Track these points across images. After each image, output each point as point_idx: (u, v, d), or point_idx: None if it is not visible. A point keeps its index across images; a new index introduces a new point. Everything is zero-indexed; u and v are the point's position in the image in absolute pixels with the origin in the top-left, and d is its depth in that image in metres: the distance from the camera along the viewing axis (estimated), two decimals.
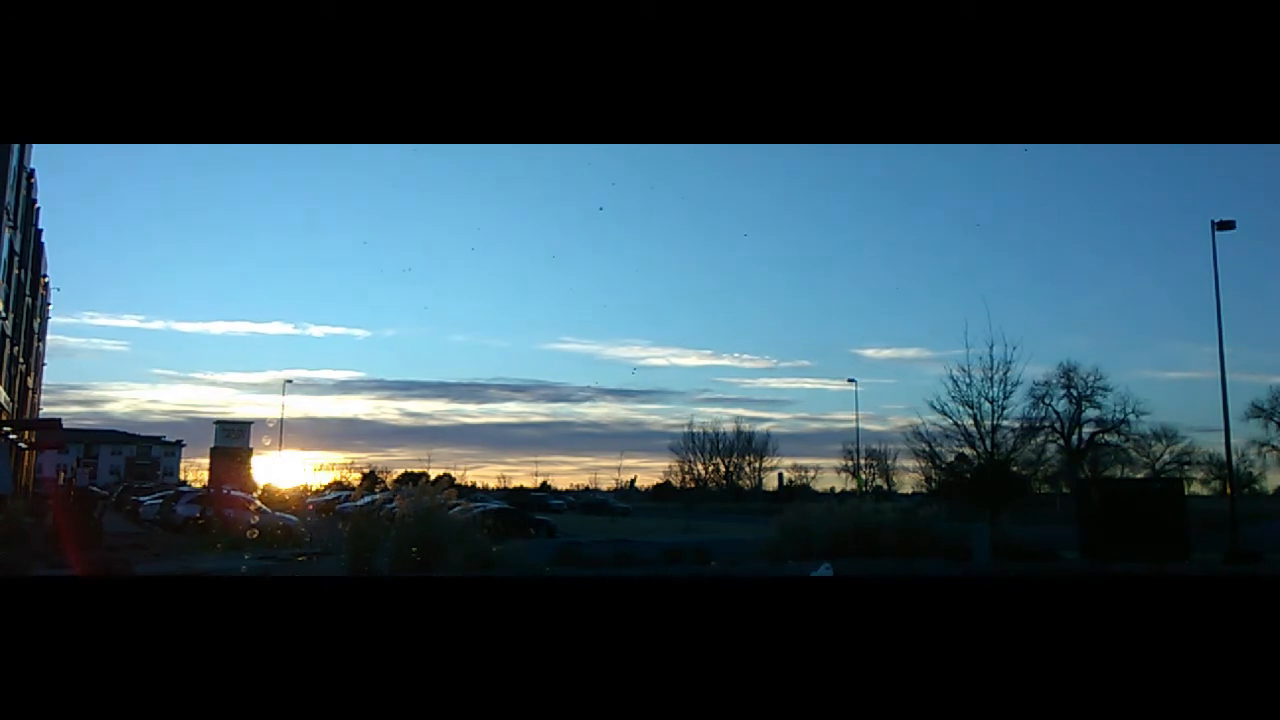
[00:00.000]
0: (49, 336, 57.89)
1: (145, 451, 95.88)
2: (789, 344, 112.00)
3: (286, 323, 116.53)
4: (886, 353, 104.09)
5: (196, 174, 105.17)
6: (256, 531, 26.13)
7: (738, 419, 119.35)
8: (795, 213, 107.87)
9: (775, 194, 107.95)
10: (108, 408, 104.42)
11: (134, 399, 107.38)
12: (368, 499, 30.43)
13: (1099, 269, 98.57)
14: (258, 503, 32.67)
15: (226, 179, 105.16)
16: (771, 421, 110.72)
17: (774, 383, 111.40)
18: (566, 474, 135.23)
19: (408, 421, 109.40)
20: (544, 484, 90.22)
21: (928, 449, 30.06)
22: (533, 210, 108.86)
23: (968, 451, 28.52)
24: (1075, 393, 59.26)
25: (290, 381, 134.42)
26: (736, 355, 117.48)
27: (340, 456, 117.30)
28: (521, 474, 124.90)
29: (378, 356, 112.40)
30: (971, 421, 27.32)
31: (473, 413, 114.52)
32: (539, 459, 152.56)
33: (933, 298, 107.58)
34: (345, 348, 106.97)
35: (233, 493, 33.97)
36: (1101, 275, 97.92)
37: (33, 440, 42.00)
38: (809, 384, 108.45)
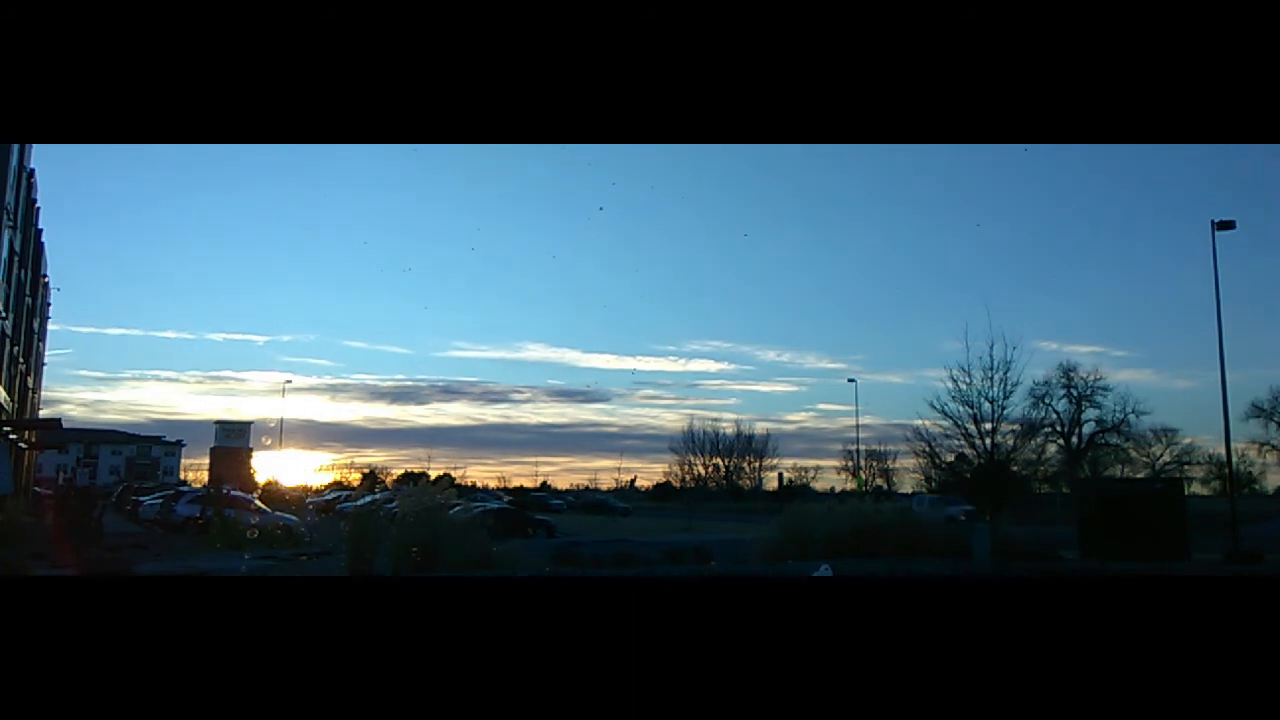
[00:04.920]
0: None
1: (145, 451, 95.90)
2: (688, 345, 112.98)
3: (181, 330, 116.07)
4: (787, 356, 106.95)
5: (65, 175, 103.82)
6: (256, 531, 26.12)
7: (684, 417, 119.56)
8: (688, 212, 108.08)
9: (674, 194, 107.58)
10: (64, 408, 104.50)
11: (82, 399, 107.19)
12: (368, 499, 30.47)
13: (1086, 275, 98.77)
14: (258, 503, 32.66)
15: (99, 181, 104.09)
16: (725, 422, 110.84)
17: (703, 384, 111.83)
18: (551, 473, 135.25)
19: (369, 424, 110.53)
20: (544, 484, 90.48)
21: (928, 449, 29.95)
22: (417, 218, 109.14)
23: (968, 451, 28.44)
24: (1075, 393, 59.27)
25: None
26: (639, 357, 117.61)
27: (323, 457, 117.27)
28: (509, 473, 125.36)
29: (282, 360, 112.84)
30: (971, 421, 27.24)
31: (423, 414, 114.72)
32: (520, 459, 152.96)
33: (827, 305, 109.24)
34: (248, 352, 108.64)
35: (233, 493, 33.92)
36: (1092, 279, 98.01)
37: (33, 440, 41.99)
38: (736, 386, 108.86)
